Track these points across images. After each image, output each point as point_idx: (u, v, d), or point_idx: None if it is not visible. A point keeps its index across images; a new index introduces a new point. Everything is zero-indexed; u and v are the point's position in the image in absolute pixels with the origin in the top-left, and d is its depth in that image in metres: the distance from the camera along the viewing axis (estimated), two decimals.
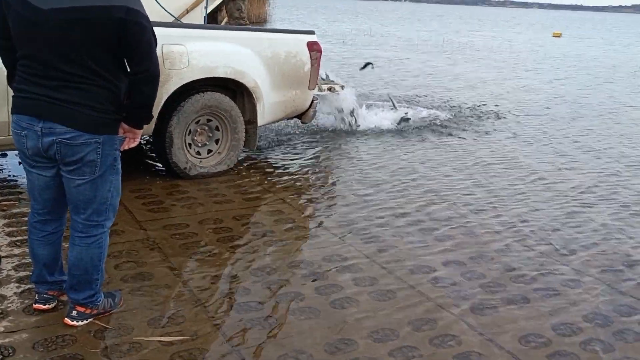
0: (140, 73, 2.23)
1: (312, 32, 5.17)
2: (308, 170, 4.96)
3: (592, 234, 3.90)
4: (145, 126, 4.11)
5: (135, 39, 2.17)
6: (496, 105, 8.57)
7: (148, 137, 4.86)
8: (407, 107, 7.73)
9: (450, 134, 6.57)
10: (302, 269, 3.11)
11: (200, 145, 4.56)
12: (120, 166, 2.38)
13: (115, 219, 3.56)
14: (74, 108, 2.17)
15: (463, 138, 6.43)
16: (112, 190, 2.38)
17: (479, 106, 8.42)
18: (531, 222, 4.01)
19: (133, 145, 2.42)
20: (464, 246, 3.55)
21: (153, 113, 4.09)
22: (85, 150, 2.22)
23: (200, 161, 4.56)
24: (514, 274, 3.22)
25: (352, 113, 6.43)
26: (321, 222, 3.81)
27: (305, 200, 4.22)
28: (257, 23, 24.50)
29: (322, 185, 4.61)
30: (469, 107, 8.28)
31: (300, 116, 5.33)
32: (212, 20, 5.95)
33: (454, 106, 8.27)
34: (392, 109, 7.32)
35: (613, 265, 3.42)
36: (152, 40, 2.24)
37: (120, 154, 2.37)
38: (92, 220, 2.38)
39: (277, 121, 5.26)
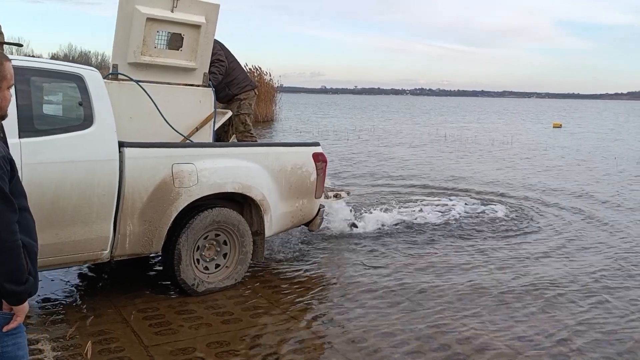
0: None
1: (317, 144, 5.34)
2: (316, 282, 4.92)
3: None
4: (154, 244, 4.27)
5: None
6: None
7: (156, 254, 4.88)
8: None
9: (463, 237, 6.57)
10: None
11: (208, 260, 4.58)
12: (13, 349, 1.86)
13: (122, 343, 3.57)
14: None
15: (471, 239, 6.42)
16: None
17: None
18: None
19: (13, 325, 1.86)
20: None
21: (160, 232, 4.24)
22: None
23: (208, 276, 4.55)
24: None
25: (351, 223, 6.53)
26: (331, 342, 3.73)
27: (314, 317, 4.16)
28: (265, 122, 25.39)
29: (331, 299, 4.55)
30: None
31: (307, 224, 5.38)
32: (223, 134, 6.14)
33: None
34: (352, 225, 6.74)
35: None
36: None
37: (14, 336, 1.87)
38: None
39: (284, 231, 5.30)
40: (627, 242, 6.54)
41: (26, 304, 1.86)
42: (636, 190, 10.24)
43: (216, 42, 5.82)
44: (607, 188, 10.40)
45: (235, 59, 6.09)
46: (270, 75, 27.13)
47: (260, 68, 26.65)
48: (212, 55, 5.67)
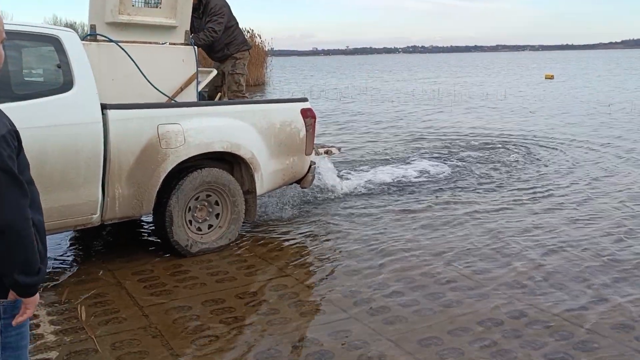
0: None
1: (305, 100, 5.25)
2: (309, 239, 4.90)
3: None
4: (144, 206, 4.23)
5: None
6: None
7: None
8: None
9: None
10: (308, 349, 3.03)
11: (200, 221, 4.55)
12: (16, 339, 1.74)
13: (117, 305, 3.57)
14: None
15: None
16: None
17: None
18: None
19: (23, 318, 1.72)
20: (470, 312, 3.46)
21: (150, 194, 4.20)
22: None
23: (202, 237, 4.53)
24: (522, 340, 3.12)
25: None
26: (325, 295, 3.74)
27: (308, 272, 4.16)
28: (256, 86, 25.09)
29: (324, 255, 4.55)
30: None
31: (299, 181, 5.34)
32: (215, 94, 6.07)
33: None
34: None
35: None
36: None
37: (18, 326, 1.73)
38: None
39: (276, 189, 5.27)
40: None
41: (37, 295, 1.73)
42: None
43: (226, 3, 5.74)
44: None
45: (236, 20, 6.02)
46: (261, 38, 26.76)
47: (252, 30, 26.25)
48: (211, 19, 5.57)
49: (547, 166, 7.76)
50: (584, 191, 6.36)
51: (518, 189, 6.49)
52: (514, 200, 6.00)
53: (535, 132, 10.82)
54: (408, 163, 8.11)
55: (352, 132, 11.52)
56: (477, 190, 6.45)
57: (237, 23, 6.05)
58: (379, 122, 12.92)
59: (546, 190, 6.39)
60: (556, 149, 9.03)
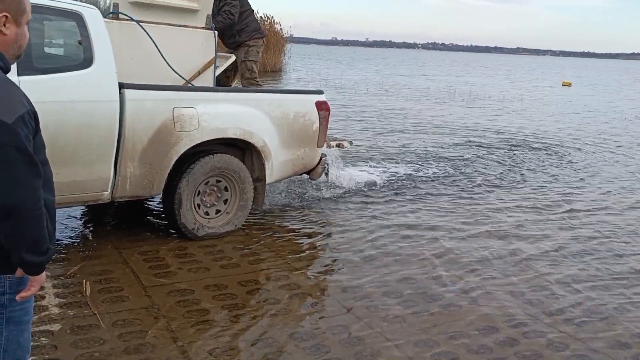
0: None
1: (320, 92, 5.26)
2: (314, 231, 4.93)
3: None
4: (154, 187, 4.26)
5: None
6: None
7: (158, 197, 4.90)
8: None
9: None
10: (305, 341, 3.06)
11: (208, 205, 4.59)
12: (19, 314, 1.76)
13: (121, 283, 3.62)
14: None
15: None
16: (4, 345, 1.75)
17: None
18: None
19: (26, 294, 1.74)
20: (469, 316, 3.48)
21: (161, 176, 4.23)
22: None
23: (209, 221, 4.57)
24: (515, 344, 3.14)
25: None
26: (326, 289, 3.77)
27: (311, 264, 4.19)
28: (273, 72, 25.07)
29: (329, 248, 4.58)
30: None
31: (309, 173, 5.36)
32: (225, 79, 6.08)
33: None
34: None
35: None
36: (9, 161, 1.60)
37: (22, 301, 1.75)
38: None
39: (285, 178, 5.30)
40: None
41: (43, 274, 1.74)
42: None
43: None
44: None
45: (250, 7, 6.03)
46: (280, 25, 26.73)
47: (272, 17, 26.22)
48: (227, 2, 5.60)
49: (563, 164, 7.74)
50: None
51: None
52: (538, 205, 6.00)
53: (546, 135, 10.77)
54: (421, 158, 8.15)
55: (363, 125, 11.51)
56: (488, 188, 6.44)
57: (251, 10, 6.07)
58: (388, 117, 12.92)
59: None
60: (584, 151, 9.00)
